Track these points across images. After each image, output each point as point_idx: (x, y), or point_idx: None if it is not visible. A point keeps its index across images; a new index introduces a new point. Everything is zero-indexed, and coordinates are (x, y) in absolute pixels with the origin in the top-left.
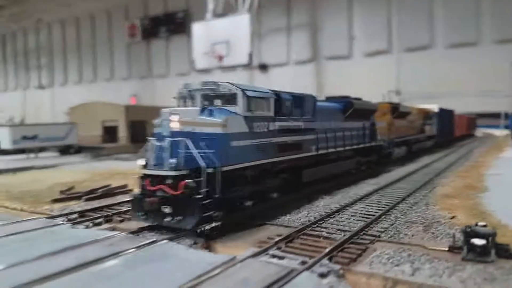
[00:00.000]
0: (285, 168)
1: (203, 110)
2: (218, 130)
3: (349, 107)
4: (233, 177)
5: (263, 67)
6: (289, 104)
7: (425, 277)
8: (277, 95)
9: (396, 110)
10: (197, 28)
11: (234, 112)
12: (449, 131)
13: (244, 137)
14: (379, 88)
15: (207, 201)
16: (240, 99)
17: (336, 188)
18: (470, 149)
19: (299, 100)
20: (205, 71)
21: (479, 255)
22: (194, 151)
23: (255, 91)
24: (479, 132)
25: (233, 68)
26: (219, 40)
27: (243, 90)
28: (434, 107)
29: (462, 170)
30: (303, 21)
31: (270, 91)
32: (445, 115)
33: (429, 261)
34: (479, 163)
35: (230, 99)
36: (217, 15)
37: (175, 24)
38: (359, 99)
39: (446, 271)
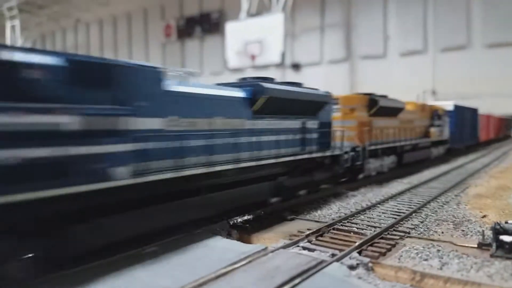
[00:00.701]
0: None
1: None
2: None
3: (258, 96)
4: None
5: (296, 66)
6: (38, 78)
7: (452, 272)
8: None
9: (375, 104)
10: (231, 28)
11: None
12: (470, 135)
13: None
14: (415, 88)
15: None
16: None
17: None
18: (505, 152)
19: (88, 71)
20: (238, 70)
21: (508, 251)
22: None
23: None
24: None
25: (265, 67)
26: (252, 39)
27: None
28: (447, 104)
29: (496, 171)
30: (337, 20)
31: None
32: (465, 114)
33: (458, 256)
34: None
35: None
36: (251, 15)
37: (209, 24)
38: (298, 84)
39: (474, 266)
